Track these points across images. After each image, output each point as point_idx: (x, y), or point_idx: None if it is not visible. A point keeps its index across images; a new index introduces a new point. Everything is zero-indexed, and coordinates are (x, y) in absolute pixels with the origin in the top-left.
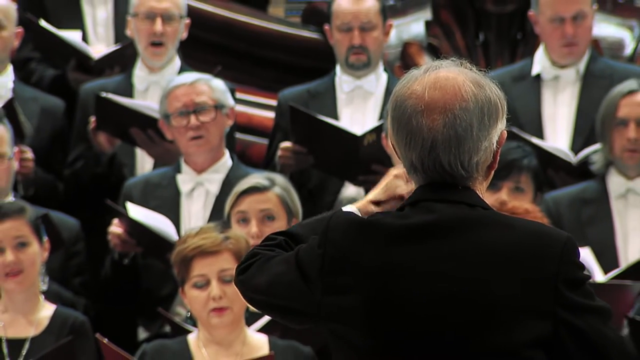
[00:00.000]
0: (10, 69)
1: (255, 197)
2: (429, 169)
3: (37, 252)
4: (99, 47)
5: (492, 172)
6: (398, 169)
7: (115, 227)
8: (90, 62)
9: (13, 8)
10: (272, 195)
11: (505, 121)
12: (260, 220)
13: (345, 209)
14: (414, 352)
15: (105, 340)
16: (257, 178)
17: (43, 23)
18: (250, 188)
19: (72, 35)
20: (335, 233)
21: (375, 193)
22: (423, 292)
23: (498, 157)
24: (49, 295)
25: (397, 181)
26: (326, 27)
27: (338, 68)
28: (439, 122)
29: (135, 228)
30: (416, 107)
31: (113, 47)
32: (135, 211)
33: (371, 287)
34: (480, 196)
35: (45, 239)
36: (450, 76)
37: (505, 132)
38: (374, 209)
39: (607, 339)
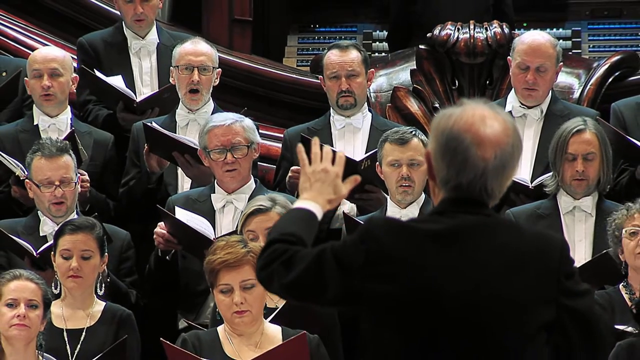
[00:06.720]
0: (68, 108)
1: (260, 218)
2: (473, 190)
3: (97, 264)
4: (145, 91)
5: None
6: (335, 168)
7: (160, 229)
8: (134, 104)
9: (69, 57)
10: (274, 215)
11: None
12: (266, 237)
13: (303, 204)
14: (447, 334)
15: (168, 342)
16: (260, 200)
17: (97, 72)
18: (255, 210)
19: (116, 81)
20: (377, 231)
21: (327, 192)
22: (453, 285)
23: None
24: (107, 291)
25: (338, 181)
26: (320, 77)
27: (332, 109)
28: (491, 154)
29: (179, 227)
30: (473, 141)
31: (152, 92)
32: (181, 213)
33: (409, 277)
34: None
35: (106, 254)
36: (491, 114)
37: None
38: (328, 206)
39: (597, 315)
